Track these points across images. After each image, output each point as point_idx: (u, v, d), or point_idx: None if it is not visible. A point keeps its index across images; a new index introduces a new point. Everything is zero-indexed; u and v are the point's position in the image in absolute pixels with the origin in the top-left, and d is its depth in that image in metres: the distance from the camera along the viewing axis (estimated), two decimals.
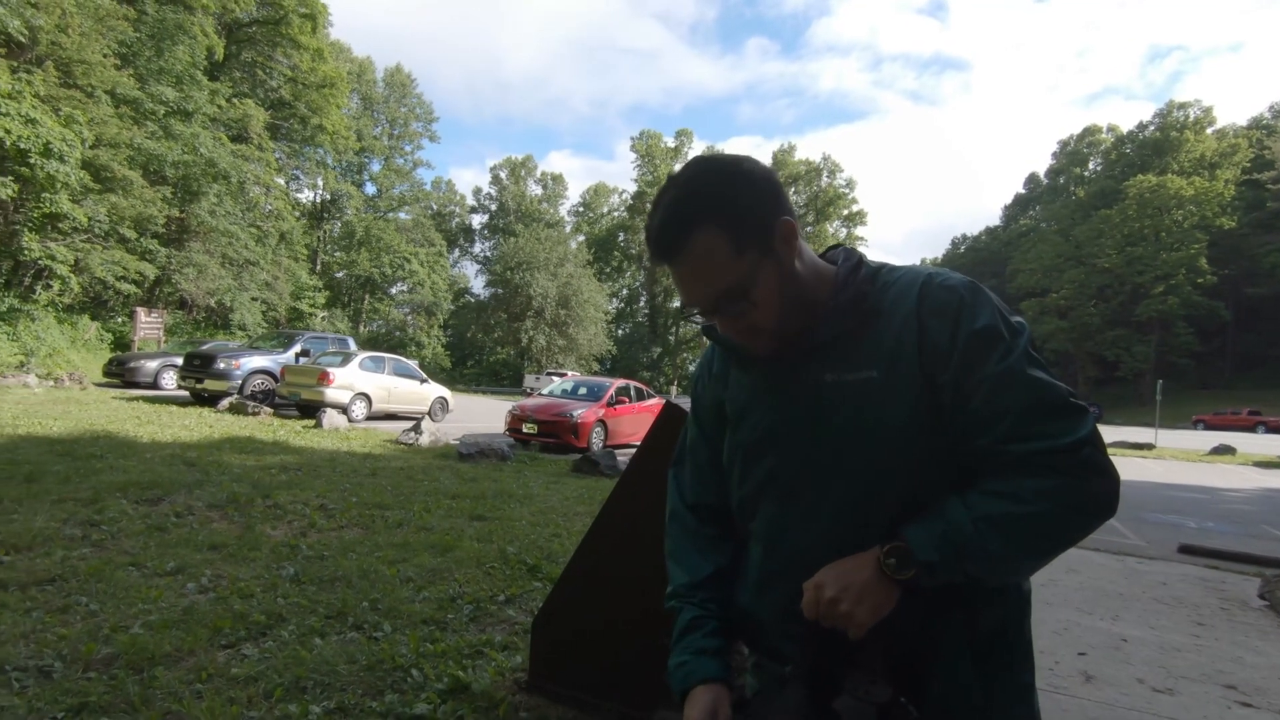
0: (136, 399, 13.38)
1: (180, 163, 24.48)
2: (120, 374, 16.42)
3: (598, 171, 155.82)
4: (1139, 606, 4.72)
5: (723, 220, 0.87)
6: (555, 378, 27.08)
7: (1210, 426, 37.88)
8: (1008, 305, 0.91)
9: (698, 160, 0.92)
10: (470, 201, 67.97)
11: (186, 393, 14.24)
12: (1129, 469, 15.82)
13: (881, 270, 0.97)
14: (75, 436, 7.74)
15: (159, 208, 23.49)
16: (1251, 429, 36.40)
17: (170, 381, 16.12)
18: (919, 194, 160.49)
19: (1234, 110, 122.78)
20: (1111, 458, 0.86)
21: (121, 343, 22.98)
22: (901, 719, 0.85)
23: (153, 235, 24.69)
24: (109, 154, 21.13)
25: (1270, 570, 5.69)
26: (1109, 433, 28.23)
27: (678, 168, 0.92)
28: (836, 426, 0.92)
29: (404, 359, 16.29)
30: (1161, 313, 50.07)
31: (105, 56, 21.39)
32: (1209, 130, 56.88)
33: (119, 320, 24.38)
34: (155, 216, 23.41)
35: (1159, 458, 19.40)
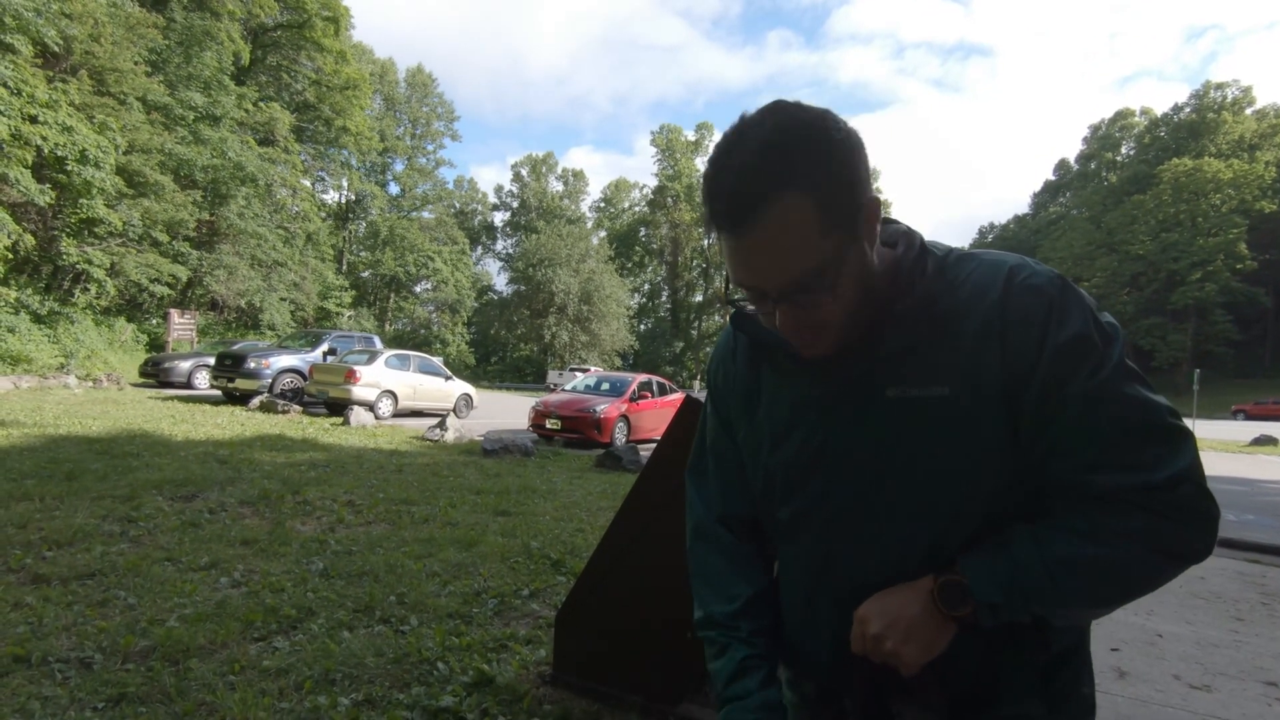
0: (171, 398, 13.71)
1: (209, 166, 25.00)
2: (155, 374, 16.82)
3: (618, 167, 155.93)
4: (1174, 601, 4.61)
5: (814, 190, 0.70)
6: (578, 373, 27.19)
7: (1250, 416, 36.78)
8: (1094, 301, 0.79)
9: (779, 108, 0.72)
10: (492, 199, 68.49)
11: (219, 392, 14.55)
12: None
13: (949, 260, 0.82)
14: (113, 436, 7.96)
15: (190, 211, 24.01)
16: None
17: (203, 381, 16.48)
18: (945, 183, 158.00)
19: (1274, 89, 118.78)
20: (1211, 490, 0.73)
21: (156, 344, 23.56)
22: None
23: (184, 238, 25.25)
24: (141, 159, 21.64)
25: None
26: None
27: (750, 113, 0.73)
28: (903, 449, 0.79)
29: (429, 356, 16.46)
30: (1198, 300, 48.74)
31: (136, 64, 21.89)
32: (1248, 111, 55.11)
33: (153, 322, 24.99)
34: (186, 220, 23.93)
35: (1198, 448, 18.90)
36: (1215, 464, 15.27)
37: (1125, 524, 0.73)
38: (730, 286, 0.81)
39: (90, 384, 15.23)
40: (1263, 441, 20.35)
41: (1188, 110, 57.99)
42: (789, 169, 0.69)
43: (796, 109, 0.72)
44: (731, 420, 0.97)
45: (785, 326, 0.77)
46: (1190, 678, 3.30)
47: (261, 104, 30.59)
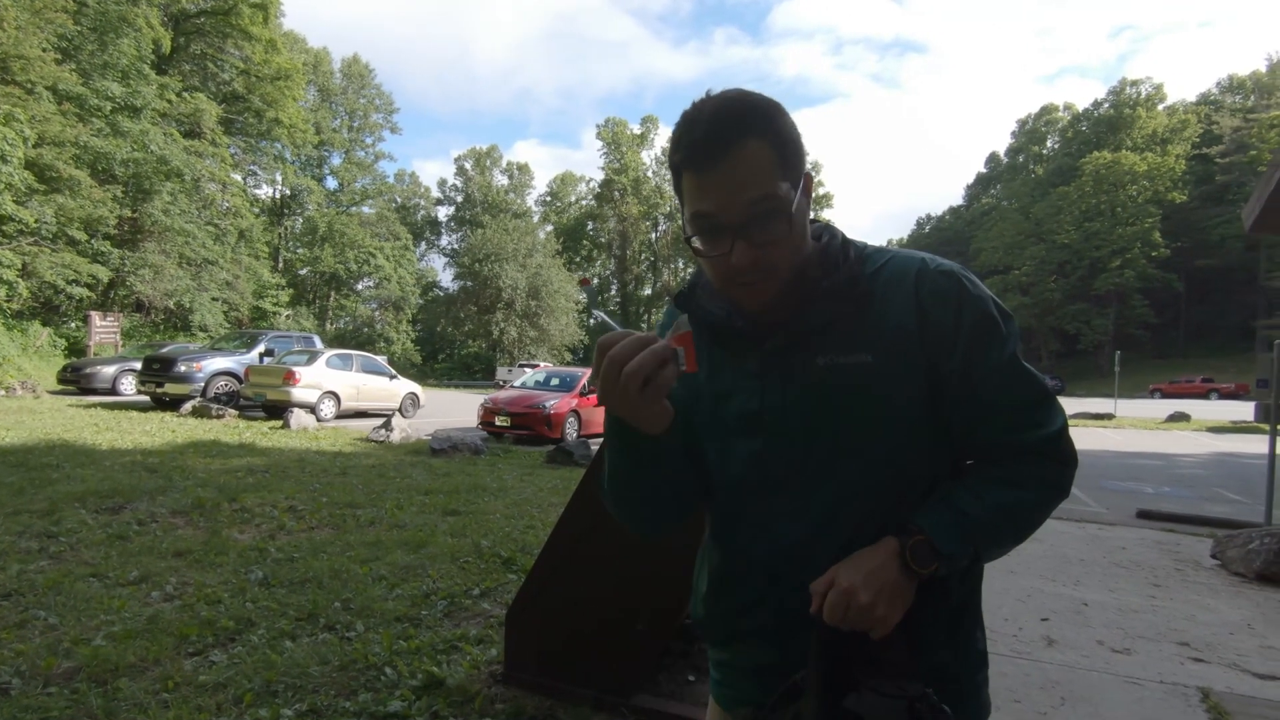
0: (94, 406, 12.98)
1: (130, 161, 23.68)
2: (76, 381, 15.91)
3: (565, 160, 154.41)
4: (1099, 571, 4.89)
5: (774, 139, 0.82)
6: (527, 369, 26.92)
7: (1166, 395, 39.22)
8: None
9: (738, 89, 0.85)
10: (435, 193, 67.00)
11: (146, 397, 13.86)
12: (1090, 439, 16.30)
13: (868, 250, 0.94)
14: (29, 446, 7.49)
15: (109, 208, 22.73)
16: (1205, 396, 37.77)
17: (129, 386, 15.67)
18: (885, 176, 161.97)
19: (1183, 87, 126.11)
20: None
21: (76, 349, 22.25)
22: (931, 711, 0.78)
23: (104, 236, 23.90)
24: (53, 153, 20.36)
25: (1221, 531, 5.92)
26: (1071, 404, 29.02)
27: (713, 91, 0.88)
28: (833, 411, 0.87)
29: (372, 355, 16.06)
30: (1118, 286, 51.48)
31: (44, 51, 20.54)
32: (1160, 107, 58.30)
33: (72, 325, 23.59)
34: (106, 217, 22.66)
35: (1118, 427, 20.03)
36: (1135, 441, 16.23)
37: (1039, 470, 0.89)
38: (688, 229, 0.87)
39: (2, 392, 14.29)
40: (1177, 418, 21.71)
41: (1106, 106, 60.97)
42: (752, 121, 0.82)
43: (751, 91, 0.86)
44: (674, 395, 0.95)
45: (741, 262, 0.83)
46: (1112, 642, 3.50)
47: (186, 94, 29.10)
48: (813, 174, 0.89)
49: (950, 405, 0.88)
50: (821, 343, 0.88)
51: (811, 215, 0.94)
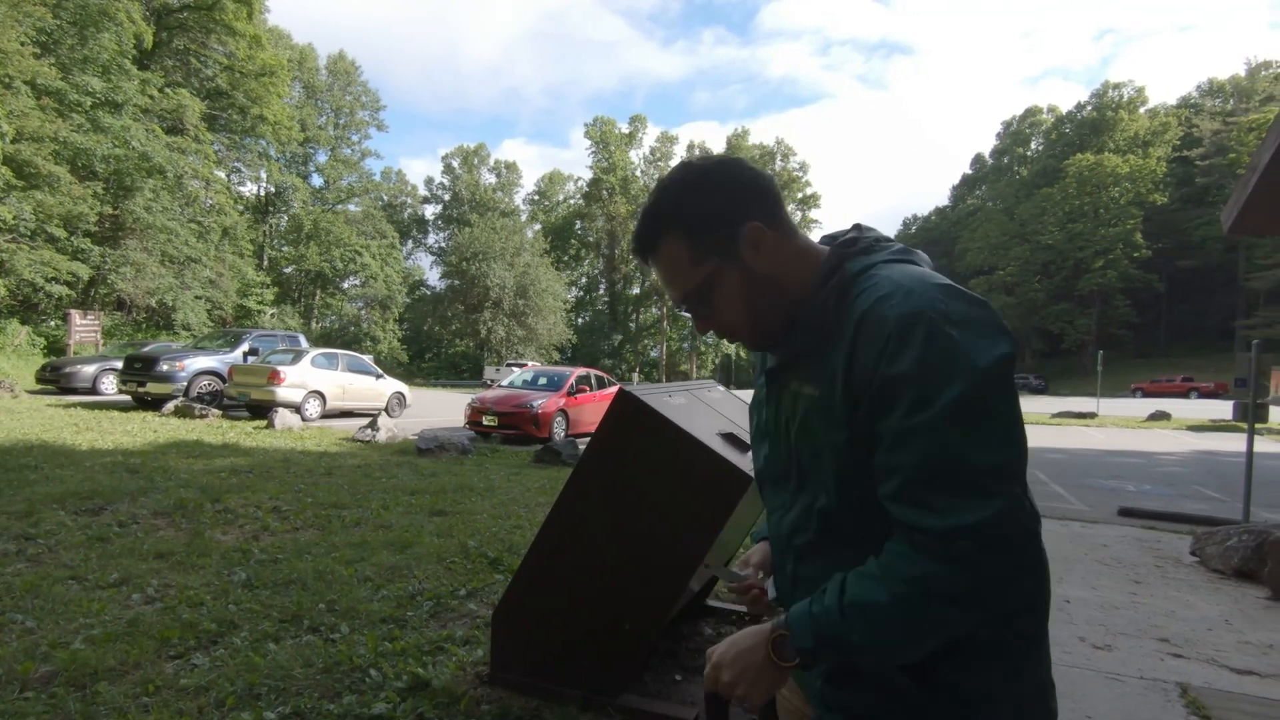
0: (74, 406, 12.79)
1: (111, 157, 23.34)
2: (55, 380, 15.67)
3: (553, 159, 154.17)
4: (1082, 568, 4.95)
5: (683, 229, 0.92)
6: (515, 369, 26.81)
7: (1148, 394, 39.73)
8: (984, 324, 0.80)
9: (680, 166, 0.96)
10: (422, 192, 66.59)
11: (128, 397, 13.67)
12: (1073, 437, 16.50)
13: (860, 276, 0.89)
14: (7, 447, 7.37)
15: (90, 205, 22.40)
16: (1185, 395, 38.29)
17: (110, 386, 15.45)
18: (872, 176, 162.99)
19: (1164, 90, 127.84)
20: (1012, 548, 0.74)
21: (55, 347, 21.92)
22: None
23: (85, 234, 23.55)
24: (32, 148, 20.03)
25: (1201, 528, 6.01)
26: (1055, 404, 29.36)
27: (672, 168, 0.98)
28: (795, 434, 0.94)
29: (358, 355, 15.93)
30: (1101, 286, 52.13)
31: (23, 45, 20.19)
32: (1142, 110, 59.07)
33: (52, 324, 23.24)
34: (86, 214, 22.32)
35: (1101, 425, 20.27)
36: (1117, 439, 16.43)
37: (908, 568, 0.77)
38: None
39: None
40: (1158, 417, 22.00)
41: (1089, 108, 61.66)
42: (663, 223, 0.94)
43: (692, 164, 0.94)
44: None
45: (702, 330, 0.99)
46: (1094, 639, 3.55)
47: (168, 90, 28.69)
48: (760, 223, 0.91)
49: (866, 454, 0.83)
50: (796, 369, 0.94)
51: (856, 225, 1.00)
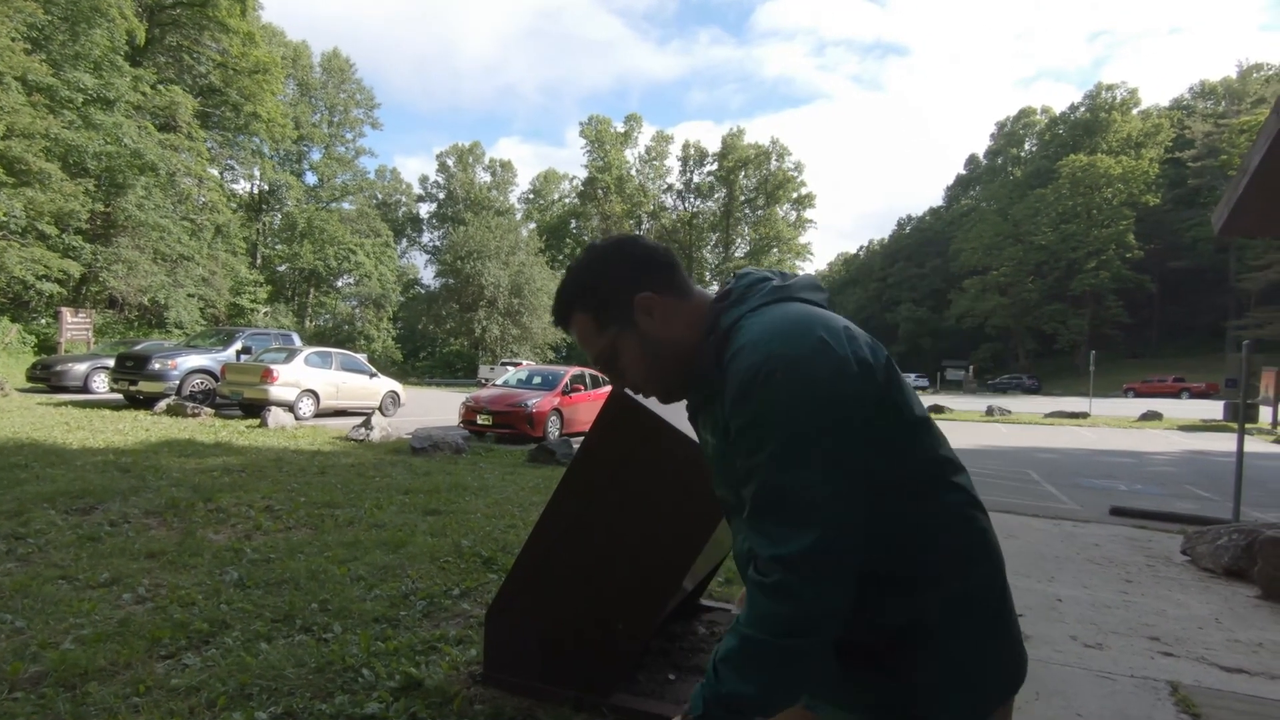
0: (64, 404, 12.71)
1: (103, 154, 23.18)
2: (46, 378, 15.55)
3: (548, 158, 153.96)
4: (1073, 567, 4.97)
5: (588, 305, 1.07)
6: (510, 367, 26.73)
7: (1139, 394, 39.95)
8: (820, 367, 0.87)
9: (585, 248, 1.12)
10: (417, 190, 66.42)
11: (120, 396, 13.60)
12: (1066, 437, 16.58)
13: (732, 330, 0.98)
14: None
15: (81, 202, 22.26)
16: (1177, 395, 38.52)
17: (101, 384, 15.36)
18: (866, 177, 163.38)
19: (1157, 91, 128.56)
20: (821, 579, 0.83)
21: (46, 345, 21.79)
22: None
23: (76, 231, 23.42)
24: (23, 145, 19.89)
25: (1191, 527, 6.05)
26: (1047, 404, 29.51)
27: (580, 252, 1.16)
28: (717, 477, 1.06)
29: (352, 353, 15.88)
30: (1094, 287, 52.39)
31: (13, 40, 20.04)
32: (1135, 111, 59.36)
33: (43, 322, 23.09)
34: (78, 211, 22.19)
35: (1093, 425, 20.38)
36: (1109, 439, 16.52)
37: (749, 612, 0.86)
38: None
39: None
40: (1149, 417, 22.12)
41: (1083, 109, 61.93)
42: (573, 295, 1.09)
43: (596, 248, 1.09)
44: None
45: (614, 385, 1.16)
46: (1086, 637, 3.56)
47: (161, 87, 28.52)
48: (651, 294, 1.04)
49: None
50: (700, 419, 1.09)
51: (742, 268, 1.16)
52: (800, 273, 1.11)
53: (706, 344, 1.01)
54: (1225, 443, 14.69)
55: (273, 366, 12.43)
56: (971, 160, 77.35)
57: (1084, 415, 22.19)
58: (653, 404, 2.39)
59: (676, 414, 2.47)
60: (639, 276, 1.05)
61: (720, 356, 0.97)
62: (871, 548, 0.89)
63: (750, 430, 0.88)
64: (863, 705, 0.98)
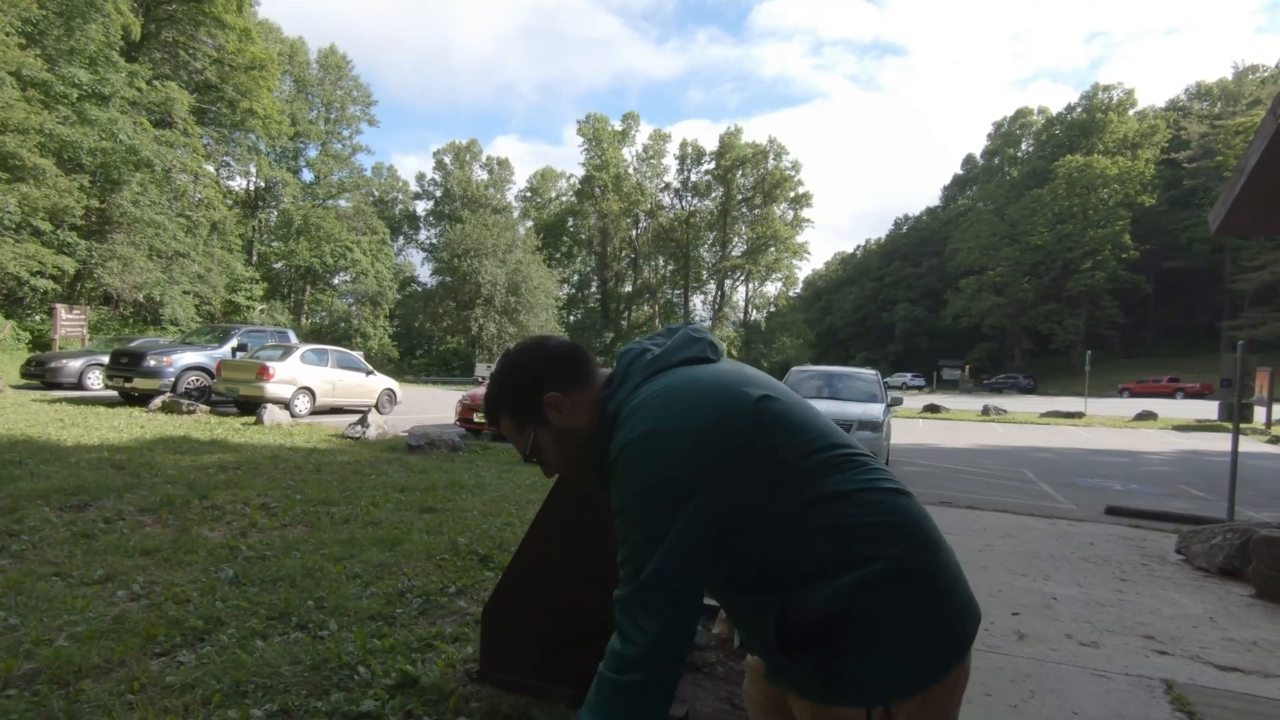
0: (59, 401, 12.66)
1: (98, 150, 23.07)
2: (40, 375, 15.51)
3: (545, 156, 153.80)
4: (1068, 566, 4.99)
5: (508, 409, 1.23)
6: None
7: (1134, 394, 40.06)
8: (673, 442, 1.03)
9: (502, 356, 1.27)
10: (414, 188, 66.26)
11: (114, 393, 13.55)
12: (1061, 437, 16.64)
13: (618, 414, 1.12)
14: None
15: (76, 198, 22.15)
16: (1171, 395, 38.64)
17: (96, 381, 15.30)
18: (864, 176, 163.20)
19: (1153, 92, 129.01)
20: (644, 626, 0.99)
21: (41, 342, 21.70)
22: None
23: (71, 227, 23.30)
24: (17, 140, 19.79)
25: (1186, 526, 6.07)
26: (1043, 403, 29.59)
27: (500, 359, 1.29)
28: None
29: (348, 351, 15.85)
30: (1089, 287, 52.51)
31: (8, 35, 19.94)
32: (1131, 112, 59.49)
33: (37, 318, 22.99)
34: (73, 207, 22.09)
35: (1088, 425, 20.45)
36: (1104, 439, 16.58)
37: (602, 664, 1.02)
38: None
39: None
40: (1144, 417, 22.21)
41: (1079, 110, 62.02)
42: (496, 401, 1.24)
43: (510, 357, 1.24)
44: None
45: (544, 473, 1.28)
46: (1081, 636, 3.57)
47: (156, 83, 28.38)
48: (557, 392, 1.18)
49: None
50: (610, 496, 1.16)
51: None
52: (687, 324, 1.26)
53: (600, 432, 1.15)
54: (1220, 442, 14.75)
55: (269, 364, 12.39)
56: (968, 160, 77.49)
57: (1079, 415, 22.26)
58: None
59: None
60: (545, 377, 1.19)
61: (608, 443, 1.11)
62: (789, 556, 1.05)
63: (614, 499, 1.06)
64: (810, 684, 1.07)
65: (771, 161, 63.35)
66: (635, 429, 1.04)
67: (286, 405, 12.25)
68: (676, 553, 1.00)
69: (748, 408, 1.06)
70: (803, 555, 1.05)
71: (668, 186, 66.83)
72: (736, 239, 65.45)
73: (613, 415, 1.12)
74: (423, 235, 66.02)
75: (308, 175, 50.25)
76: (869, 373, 11.24)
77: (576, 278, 68.14)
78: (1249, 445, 14.62)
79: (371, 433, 10.15)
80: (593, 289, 67.94)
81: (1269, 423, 18.70)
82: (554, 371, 1.19)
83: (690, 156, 66.05)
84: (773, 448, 1.06)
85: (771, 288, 69.30)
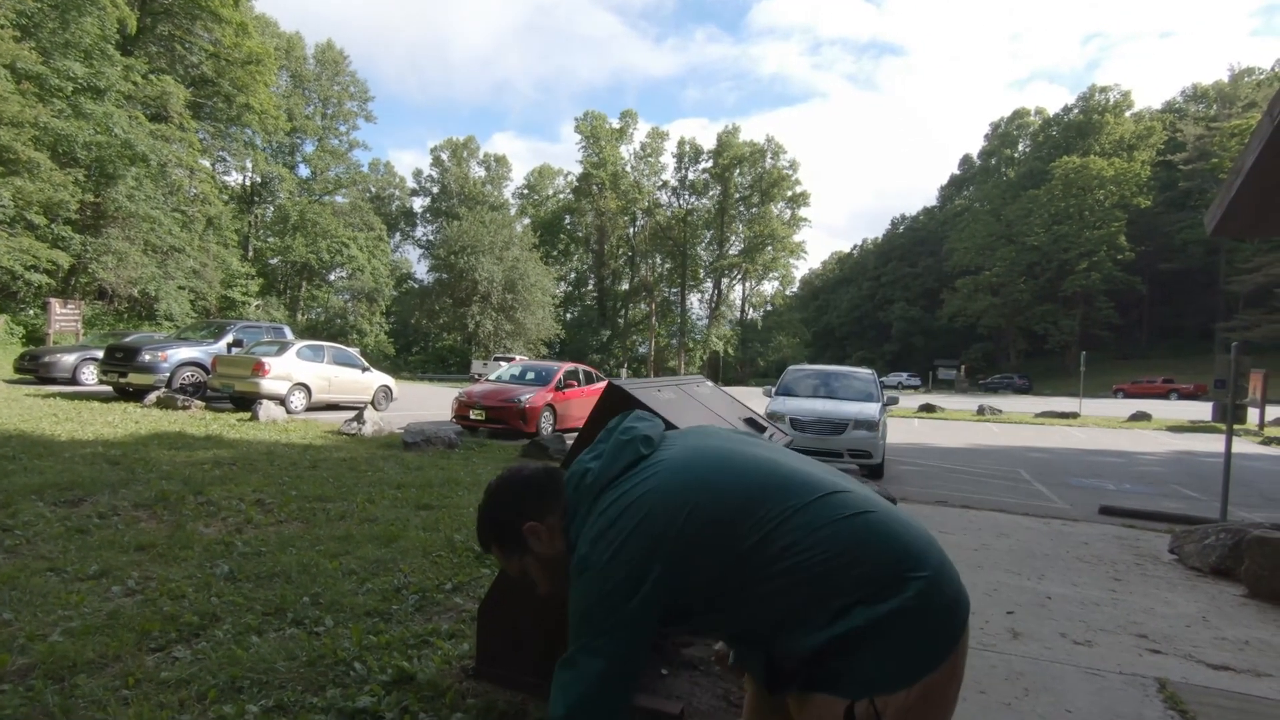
0: (53, 396, 12.60)
1: (93, 144, 22.95)
2: (34, 370, 15.42)
3: (543, 154, 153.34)
4: (1063, 565, 5.01)
5: (496, 540, 1.35)
6: (503, 363, 26.65)
7: (1129, 395, 40.20)
8: (608, 568, 1.17)
9: (485, 491, 1.37)
10: (411, 184, 66.12)
11: (109, 388, 13.49)
12: (1056, 437, 16.69)
13: (578, 540, 1.24)
14: None
15: (71, 192, 22.05)
16: (1165, 396, 38.79)
17: (90, 376, 15.23)
18: (861, 176, 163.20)
19: (1150, 94, 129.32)
20: (582, 690, 1.18)
21: (35, 337, 21.58)
22: None
23: (65, 221, 23.19)
24: (11, 134, 19.67)
25: (1179, 527, 6.10)
26: (1038, 403, 29.68)
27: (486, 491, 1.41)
28: None
29: (344, 347, 15.80)
30: (1085, 288, 52.64)
31: (2, 28, 19.81)
32: (1127, 113, 59.62)
33: (31, 313, 22.86)
34: (67, 201, 21.97)
35: (1083, 425, 20.51)
36: (1098, 439, 16.64)
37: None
38: None
39: None
40: (1138, 417, 22.28)
41: (1076, 111, 62.13)
42: (484, 534, 1.37)
43: (493, 490, 1.35)
44: None
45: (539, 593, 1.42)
46: (1075, 635, 3.59)
47: (152, 77, 28.24)
48: (535, 521, 1.31)
49: None
50: None
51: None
52: (621, 422, 1.36)
53: (569, 559, 1.26)
54: (1213, 443, 14.82)
55: (264, 359, 12.35)
56: (965, 160, 77.60)
57: (1074, 415, 22.33)
58: (648, 399, 2.39)
59: (673, 409, 2.46)
60: (523, 510, 1.31)
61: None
62: (760, 618, 1.16)
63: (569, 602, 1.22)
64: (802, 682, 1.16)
65: (769, 160, 63.34)
66: (578, 558, 1.21)
67: (282, 401, 12.22)
68: (619, 664, 1.17)
69: (674, 531, 1.16)
70: (772, 614, 1.15)
71: (665, 185, 66.79)
72: (734, 237, 65.44)
73: (572, 544, 1.26)
74: (419, 232, 65.95)
75: (304, 171, 50.16)
76: (865, 372, 11.27)
77: (573, 275, 68.06)
78: (1242, 446, 14.69)
79: (367, 429, 10.13)
80: (590, 287, 67.88)
81: (1262, 424, 18.79)
82: (528, 502, 1.32)
83: (688, 155, 65.99)
84: (707, 550, 1.16)
85: (768, 286, 69.31)
